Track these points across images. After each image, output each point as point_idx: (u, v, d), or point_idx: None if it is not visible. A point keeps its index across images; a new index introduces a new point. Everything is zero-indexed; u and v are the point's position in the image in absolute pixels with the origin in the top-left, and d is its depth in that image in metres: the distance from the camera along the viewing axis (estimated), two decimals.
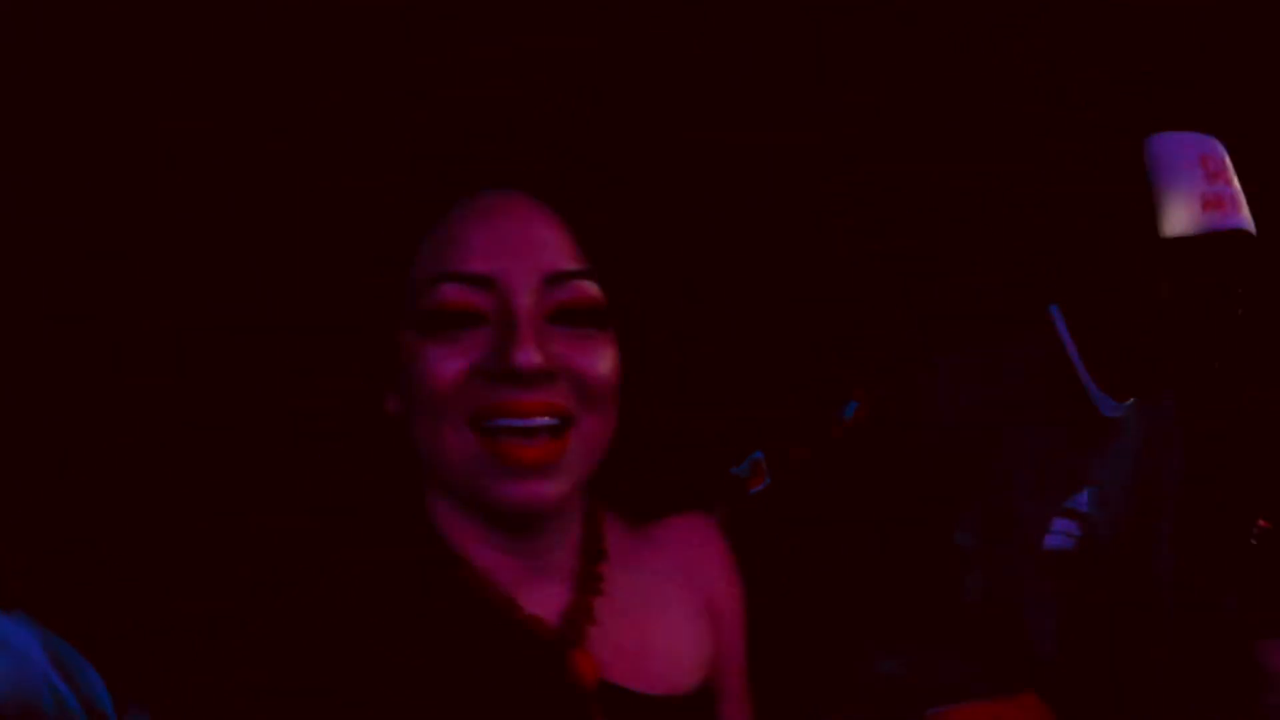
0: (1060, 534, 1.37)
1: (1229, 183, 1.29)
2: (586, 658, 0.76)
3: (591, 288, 0.73)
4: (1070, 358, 1.34)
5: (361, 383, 0.77)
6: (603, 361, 0.73)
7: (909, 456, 1.33)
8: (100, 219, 1.48)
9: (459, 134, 0.81)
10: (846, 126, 1.83)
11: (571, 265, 0.72)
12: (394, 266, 0.74)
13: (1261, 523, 1.47)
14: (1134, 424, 1.40)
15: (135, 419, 1.42)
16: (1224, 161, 1.31)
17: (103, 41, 1.46)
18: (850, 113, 1.83)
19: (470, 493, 0.72)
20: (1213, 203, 1.26)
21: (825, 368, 1.73)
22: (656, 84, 1.73)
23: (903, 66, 1.88)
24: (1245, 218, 1.30)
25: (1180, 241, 1.26)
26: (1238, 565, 1.49)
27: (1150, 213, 1.27)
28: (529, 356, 0.68)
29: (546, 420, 0.70)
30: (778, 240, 1.84)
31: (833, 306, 1.83)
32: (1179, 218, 1.26)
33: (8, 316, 1.42)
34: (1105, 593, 1.42)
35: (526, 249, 0.72)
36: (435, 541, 0.75)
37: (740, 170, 1.81)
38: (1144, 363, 1.31)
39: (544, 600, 0.77)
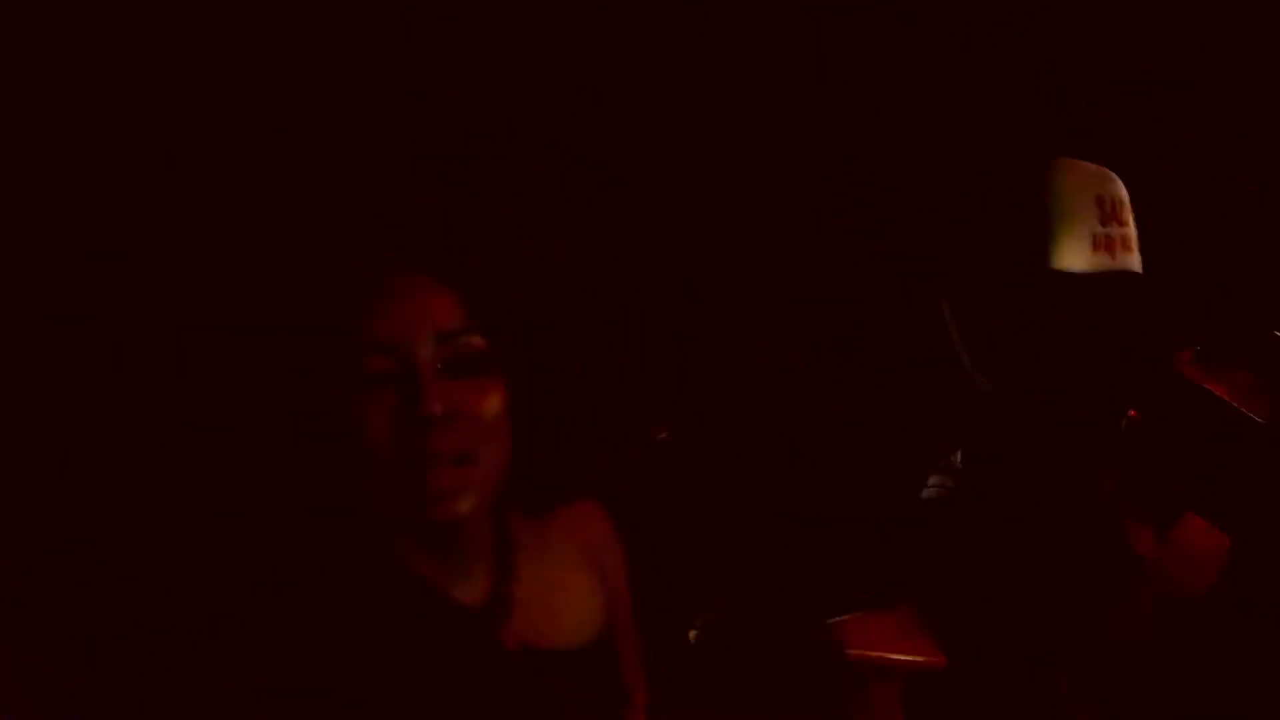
0: (934, 487, 1.47)
1: (1124, 223, 1.34)
2: (510, 631, 0.96)
3: (476, 340, 0.91)
4: (955, 346, 1.40)
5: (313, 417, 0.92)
6: (491, 402, 0.91)
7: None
8: (100, 219, 1.48)
9: (371, 225, 1.01)
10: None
11: (458, 325, 0.91)
12: (346, 336, 0.91)
13: (1131, 413, 1.54)
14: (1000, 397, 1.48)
15: (135, 419, 1.43)
16: (1122, 201, 1.34)
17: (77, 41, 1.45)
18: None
19: (397, 512, 0.89)
20: (1103, 244, 1.30)
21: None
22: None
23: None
24: (1135, 260, 1.35)
25: (1067, 274, 1.31)
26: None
27: (1043, 240, 1.31)
28: (428, 405, 0.86)
29: (450, 453, 0.87)
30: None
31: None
32: (1069, 254, 1.30)
33: (8, 316, 1.43)
34: (967, 529, 1.53)
35: (419, 316, 0.90)
36: (384, 549, 0.93)
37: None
38: (1018, 365, 1.38)
39: (471, 590, 0.96)
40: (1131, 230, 1.34)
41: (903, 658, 1.44)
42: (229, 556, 1.00)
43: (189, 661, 0.91)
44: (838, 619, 1.46)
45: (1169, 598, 1.35)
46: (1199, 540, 1.37)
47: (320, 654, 0.87)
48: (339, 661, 0.87)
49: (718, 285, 1.85)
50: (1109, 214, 1.31)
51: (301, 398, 0.92)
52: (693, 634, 1.59)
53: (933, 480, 1.46)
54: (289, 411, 0.95)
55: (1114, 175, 1.36)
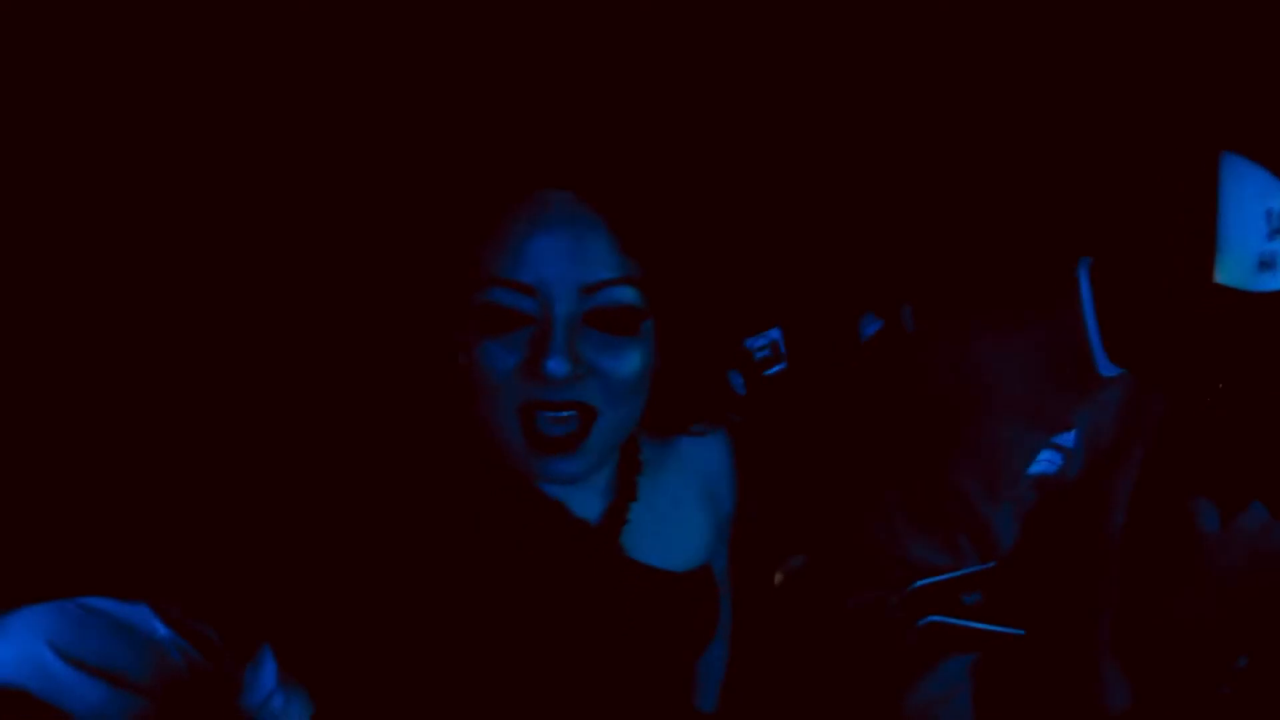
0: (1043, 462, 1.43)
1: None
2: (620, 548, 0.96)
3: (626, 293, 0.82)
4: (1084, 318, 1.32)
5: (437, 344, 0.88)
6: (628, 363, 0.84)
7: (913, 386, 1.38)
8: (149, 211, 1.46)
9: (511, 134, 0.90)
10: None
11: (608, 274, 0.81)
12: (454, 259, 0.84)
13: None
14: (1124, 380, 1.41)
15: (230, 369, 1.47)
16: None
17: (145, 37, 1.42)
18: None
19: (510, 461, 0.86)
20: (1269, 263, 1.19)
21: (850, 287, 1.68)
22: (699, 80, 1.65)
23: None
24: None
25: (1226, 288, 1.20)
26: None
27: (1205, 243, 1.20)
28: (557, 366, 0.79)
29: (572, 413, 0.82)
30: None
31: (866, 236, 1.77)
32: (1231, 270, 1.19)
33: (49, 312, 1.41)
34: (1069, 508, 1.51)
35: (567, 259, 0.80)
36: (501, 470, 0.89)
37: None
38: (1159, 363, 1.30)
39: (591, 505, 0.96)
40: None
41: (982, 626, 1.44)
42: (348, 479, 0.97)
43: (320, 583, 0.91)
44: (920, 584, 1.46)
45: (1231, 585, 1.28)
46: (1264, 532, 1.29)
47: (439, 563, 0.89)
48: (456, 571, 0.89)
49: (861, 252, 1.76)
50: (1277, 228, 1.20)
51: (419, 318, 0.88)
52: (778, 577, 1.61)
53: (1043, 456, 1.41)
54: (405, 330, 0.92)
55: None
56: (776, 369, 1.50)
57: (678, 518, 1.04)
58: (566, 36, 1.46)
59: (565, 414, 0.82)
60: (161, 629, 0.74)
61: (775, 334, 1.50)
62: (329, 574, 0.89)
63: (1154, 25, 1.66)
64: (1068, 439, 1.42)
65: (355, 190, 1.39)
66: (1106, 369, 1.33)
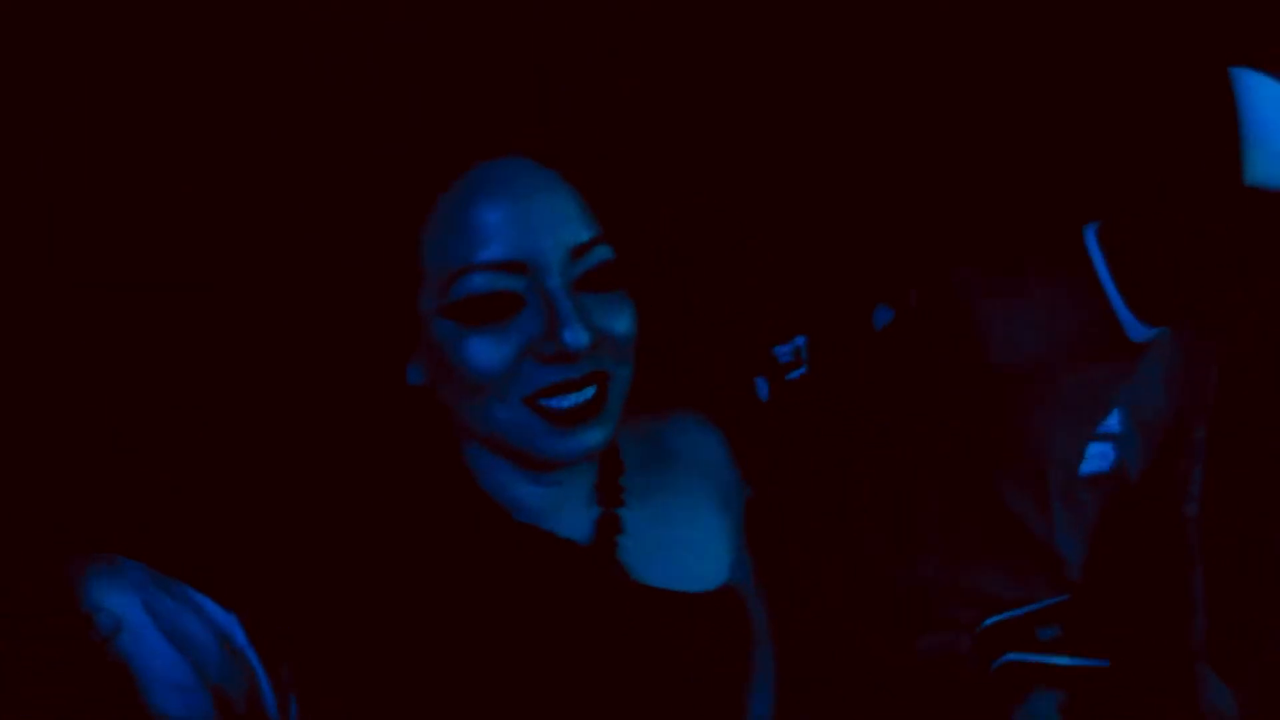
0: (1095, 458, 1.34)
1: None
2: (619, 566, 0.83)
3: (608, 251, 0.77)
4: (1101, 282, 1.27)
5: (383, 359, 0.79)
6: (626, 319, 0.78)
7: (938, 370, 1.31)
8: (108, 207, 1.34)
9: (453, 105, 0.83)
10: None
11: (590, 234, 0.76)
12: (401, 249, 0.76)
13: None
14: (1163, 344, 1.34)
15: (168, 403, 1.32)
16: None
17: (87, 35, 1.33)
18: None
19: (522, 451, 0.77)
20: None
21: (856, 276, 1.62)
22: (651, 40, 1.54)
23: None
24: None
25: (1257, 190, 1.15)
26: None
27: (1229, 154, 1.16)
28: (577, 337, 0.72)
29: (587, 384, 0.75)
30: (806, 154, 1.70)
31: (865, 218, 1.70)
32: (1264, 170, 1.15)
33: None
34: (1137, 511, 1.42)
35: (547, 225, 0.73)
36: (471, 487, 0.81)
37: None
38: (1192, 297, 1.22)
39: (574, 521, 0.84)
40: None
41: (1065, 662, 1.33)
42: (311, 504, 0.85)
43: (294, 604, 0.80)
44: (990, 622, 1.36)
45: None
46: None
47: (410, 605, 0.77)
48: (431, 611, 0.77)
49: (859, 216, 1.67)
50: None
51: (376, 332, 0.78)
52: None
53: (1092, 451, 1.33)
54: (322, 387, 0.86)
55: None
56: (797, 373, 1.49)
57: (683, 525, 0.90)
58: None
59: (588, 392, 0.75)
60: (242, 640, 0.73)
61: (800, 341, 1.50)
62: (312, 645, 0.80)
63: None
64: (1113, 423, 1.33)
65: (273, 181, 1.26)
66: (1138, 333, 1.27)
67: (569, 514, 0.84)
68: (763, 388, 1.49)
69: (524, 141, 0.76)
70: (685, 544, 0.88)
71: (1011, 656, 1.34)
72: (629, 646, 0.81)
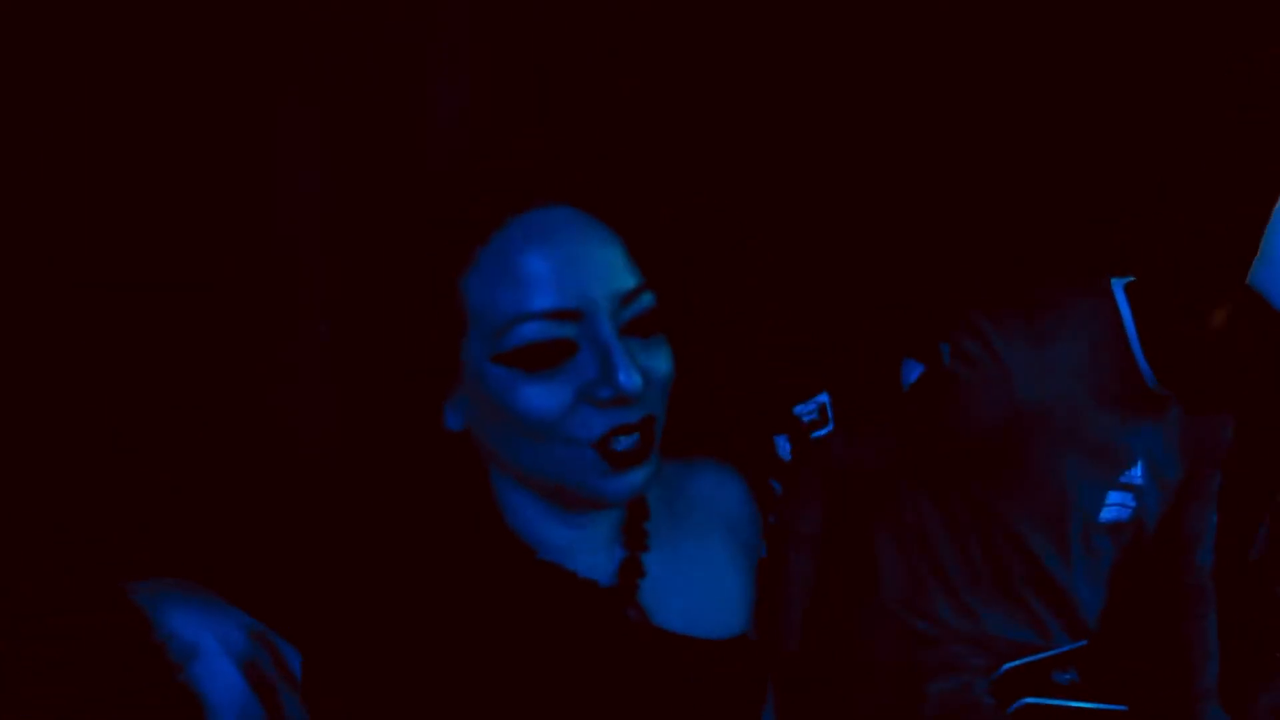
0: (1116, 506, 1.35)
1: None
2: (639, 608, 0.84)
3: (651, 298, 0.79)
4: (1126, 333, 1.28)
5: (421, 402, 0.81)
6: (667, 362, 0.80)
7: (966, 424, 1.32)
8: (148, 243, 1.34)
9: (499, 154, 0.85)
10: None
11: (635, 281, 0.78)
12: (441, 298, 0.78)
13: None
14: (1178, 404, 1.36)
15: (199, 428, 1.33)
16: None
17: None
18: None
19: (573, 491, 0.79)
20: None
21: (883, 330, 1.64)
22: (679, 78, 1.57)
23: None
24: None
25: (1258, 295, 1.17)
26: None
27: (1246, 253, 1.17)
28: (632, 380, 0.74)
29: (638, 428, 0.77)
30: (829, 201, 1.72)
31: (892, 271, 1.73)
32: (1267, 281, 1.16)
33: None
34: (1155, 558, 1.45)
35: (598, 273, 0.76)
36: (498, 524, 0.83)
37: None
38: (1205, 380, 1.25)
39: (596, 562, 0.85)
40: None
41: (1081, 705, 1.33)
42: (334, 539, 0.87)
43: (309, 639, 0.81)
44: (1009, 666, 1.37)
45: None
46: None
47: (432, 637, 0.79)
48: (453, 645, 0.79)
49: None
50: None
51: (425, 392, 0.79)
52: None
53: (1112, 499, 1.34)
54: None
55: None
56: (823, 432, 1.49)
57: (703, 571, 0.91)
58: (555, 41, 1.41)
59: (637, 432, 0.77)
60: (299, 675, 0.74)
61: (824, 398, 1.51)
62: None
63: (1197, 39, 1.68)
64: (1135, 474, 1.35)
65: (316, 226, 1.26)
66: (1154, 383, 1.29)
67: (592, 555, 0.85)
68: (783, 446, 1.51)
69: (566, 189, 0.78)
70: (705, 590, 0.89)
71: (1028, 700, 1.34)
72: (645, 689, 0.82)
